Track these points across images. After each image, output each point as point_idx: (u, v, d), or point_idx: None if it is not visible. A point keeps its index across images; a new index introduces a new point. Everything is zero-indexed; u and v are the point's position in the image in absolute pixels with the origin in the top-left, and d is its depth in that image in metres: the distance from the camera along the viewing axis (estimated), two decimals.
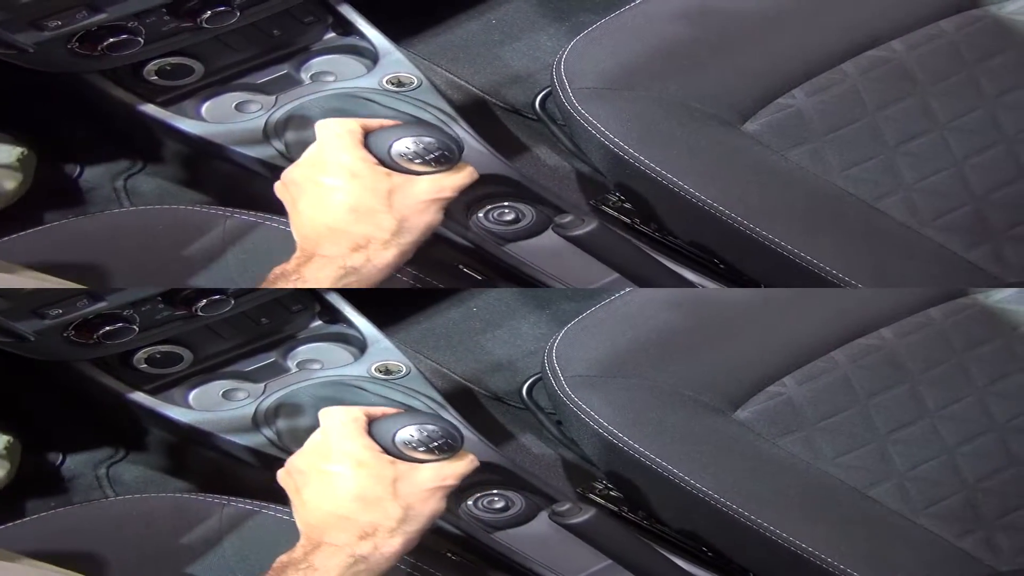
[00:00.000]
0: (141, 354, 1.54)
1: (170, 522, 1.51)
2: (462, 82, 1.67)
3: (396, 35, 1.60)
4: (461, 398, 1.62)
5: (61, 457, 1.62)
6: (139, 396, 1.55)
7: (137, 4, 1.48)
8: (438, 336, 1.68)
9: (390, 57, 1.57)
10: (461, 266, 1.58)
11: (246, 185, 1.59)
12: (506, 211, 1.57)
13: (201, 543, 1.50)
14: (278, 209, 1.50)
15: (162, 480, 1.60)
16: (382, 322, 1.59)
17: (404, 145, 1.38)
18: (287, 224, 1.44)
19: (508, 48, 1.70)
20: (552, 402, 1.54)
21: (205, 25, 1.52)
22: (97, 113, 1.62)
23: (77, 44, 1.49)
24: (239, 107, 1.59)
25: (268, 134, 1.56)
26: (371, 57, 1.59)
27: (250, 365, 1.59)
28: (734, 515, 1.45)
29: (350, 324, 1.57)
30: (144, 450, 1.60)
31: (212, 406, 1.57)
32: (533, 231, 1.58)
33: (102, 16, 1.47)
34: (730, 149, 1.50)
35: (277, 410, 1.54)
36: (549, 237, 1.57)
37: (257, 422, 1.54)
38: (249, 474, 1.56)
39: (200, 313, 1.51)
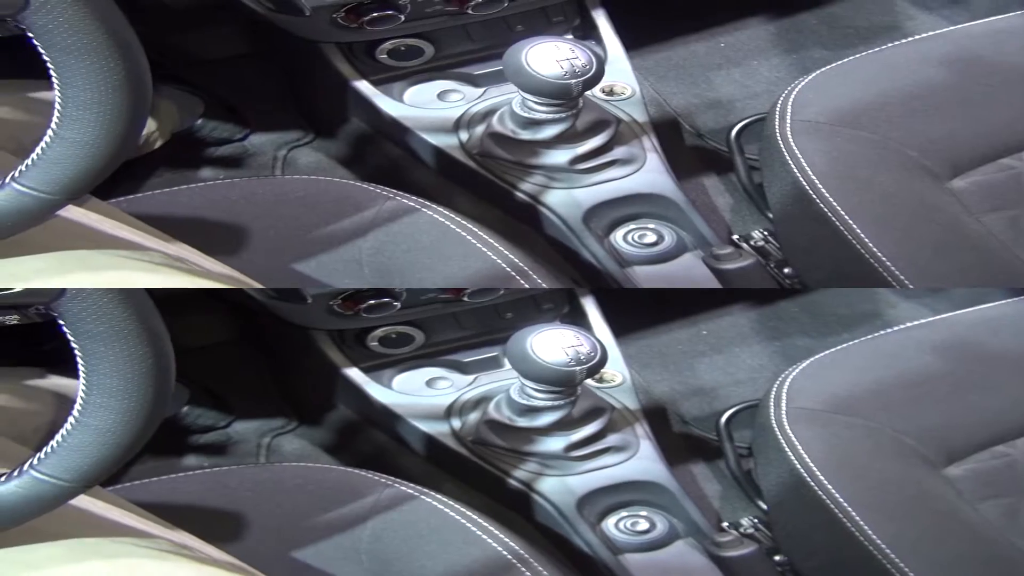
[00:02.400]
0: (378, 332, 1.53)
1: (330, 494, 1.47)
2: (661, 99, 1.65)
3: (623, 40, 1.58)
4: (655, 415, 1.59)
5: (230, 420, 1.60)
6: (353, 372, 1.54)
7: None
8: (656, 352, 1.67)
9: (616, 66, 1.56)
10: (573, 280, 1.54)
11: (404, 173, 1.57)
12: (649, 233, 1.53)
13: (347, 519, 1.45)
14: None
15: (317, 456, 1.58)
16: (619, 331, 1.57)
17: None
18: (446, 216, 1.44)
19: (723, 73, 1.68)
20: (757, 431, 1.50)
21: (470, 12, 1.52)
22: (301, 80, 1.62)
23: (343, 14, 1.48)
24: (441, 95, 1.57)
25: (459, 124, 1.54)
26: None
27: (470, 356, 1.57)
28: (898, 573, 1.39)
29: (589, 329, 1.55)
30: (317, 424, 1.59)
31: (413, 391, 1.55)
32: (664, 258, 1.54)
33: None
34: (924, 205, 1.45)
35: (476, 404, 1.52)
36: (673, 266, 1.54)
37: (450, 412, 1.52)
38: (405, 464, 1.54)
39: (466, 299, 1.51)
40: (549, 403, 1.49)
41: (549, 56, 1.43)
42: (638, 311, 1.67)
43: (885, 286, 1.42)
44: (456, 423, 1.52)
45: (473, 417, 1.52)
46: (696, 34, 1.70)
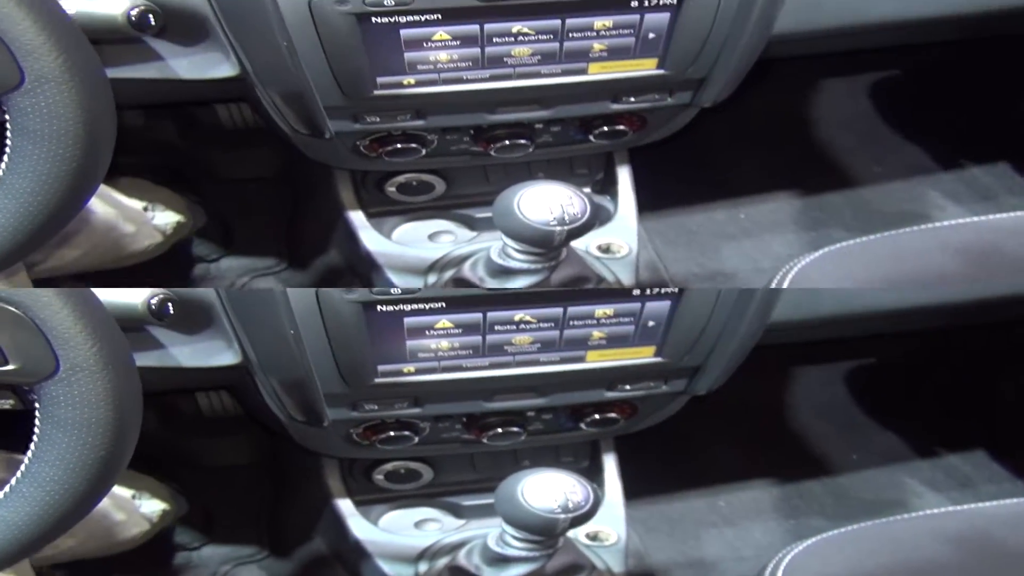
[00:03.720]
0: (387, 466, 1.48)
1: None
2: (660, 264, 1.59)
3: (644, 199, 1.53)
4: None
5: (204, 542, 1.57)
6: (343, 503, 1.48)
7: (458, 119, 1.41)
8: (666, 517, 1.61)
9: (620, 223, 1.50)
10: None
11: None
12: None
13: None
14: None
15: None
16: (634, 491, 1.52)
17: None
18: None
19: (734, 248, 1.63)
20: None
21: (493, 154, 1.45)
22: (301, 204, 1.60)
23: (366, 143, 1.42)
24: (433, 236, 1.52)
25: (433, 267, 1.47)
26: (604, 218, 1.51)
27: (470, 500, 1.51)
28: None
29: (601, 484, 1.48)
30: (284, 557, 1.54)
31: (397, 530, 1.49)
32: None
33: (420, 123, 1.40)
34: None
35: (452, 549, 1.45)
36: None
37: (422, 556, 1.45)
38: None
39: (486, 441, 1.43)
40: (524, 553, 1.37)
41: (542, 200, 1.32)
42: (662, 474, 1.62)
43: None
44: (423, 567, 1.44)
45: (441, 563, 1.44)
46: (723, 226, 1.66)
